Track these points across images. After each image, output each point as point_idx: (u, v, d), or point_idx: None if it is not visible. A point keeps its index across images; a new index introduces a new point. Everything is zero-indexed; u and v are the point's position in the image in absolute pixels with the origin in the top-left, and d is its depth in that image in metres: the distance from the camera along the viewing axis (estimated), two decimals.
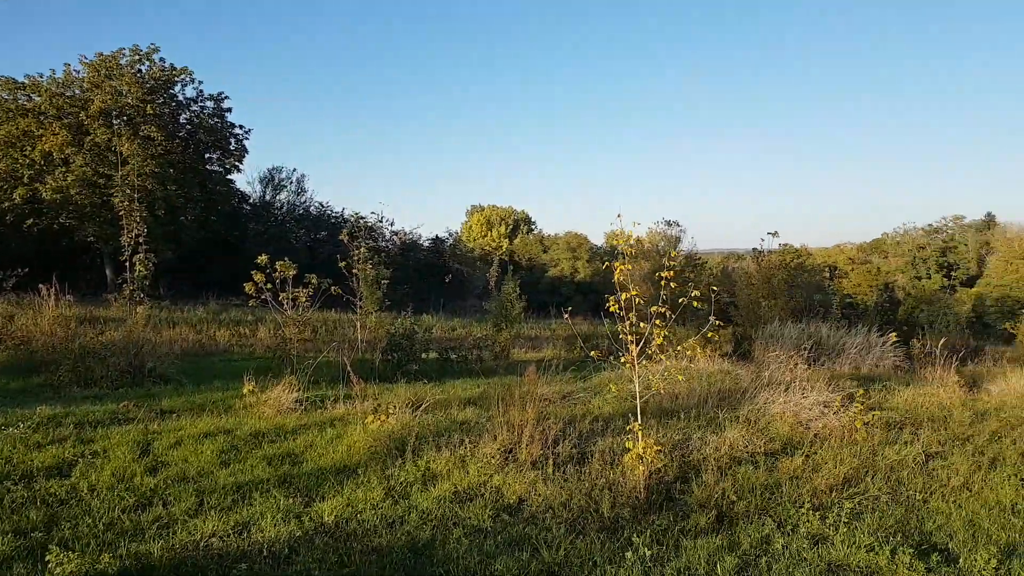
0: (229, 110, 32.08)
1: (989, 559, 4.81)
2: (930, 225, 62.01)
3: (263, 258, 10.79)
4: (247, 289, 10.81)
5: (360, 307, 14.03)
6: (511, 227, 65.44)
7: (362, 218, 36.56)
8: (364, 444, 7.11)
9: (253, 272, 10.73)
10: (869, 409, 8.69)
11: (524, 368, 11.82)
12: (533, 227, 68.69)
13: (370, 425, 7.60)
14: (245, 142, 33.12)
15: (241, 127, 32.88)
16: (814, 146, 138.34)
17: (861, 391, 8.98)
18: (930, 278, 53.71)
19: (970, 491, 6.52)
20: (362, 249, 14.15)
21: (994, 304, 38.35)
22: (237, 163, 33.43)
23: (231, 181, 34.63)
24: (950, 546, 5.19)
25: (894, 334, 16.28)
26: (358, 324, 14.27)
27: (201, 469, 6.41)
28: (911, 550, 4.90)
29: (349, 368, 9.10)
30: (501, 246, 59.70)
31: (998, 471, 7.09)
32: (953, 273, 55.79)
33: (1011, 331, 23.54)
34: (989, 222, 63.17)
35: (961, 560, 4.89)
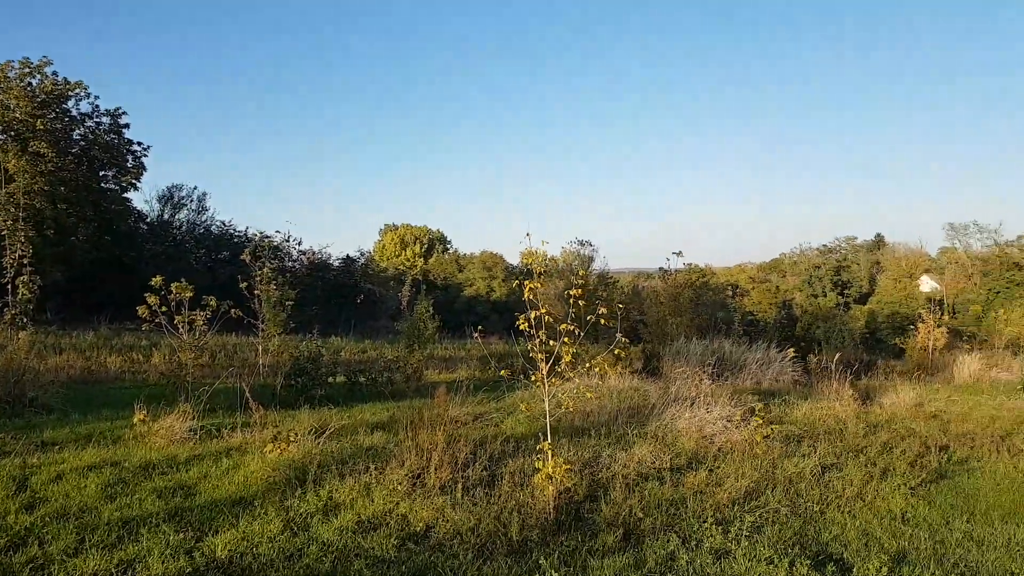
0: (126, 126, 30.70)
1: (880, 567, 5.01)
2: (824, 245, 65.72)
3: (157, 279, 10.26)
4: (140, 313, 10.24)
5: (262, 330, 13.53)
6: (426, 246, 65.15)
7: (267, 237, 35.53)
8: (262, 474, 6.79)
9: (147, 295, 10.19)
10: (769, 423, 8.99)
11: (437, 390, 11.68)
12: (449, 246, 68.62)
13: (269, 454, 7.28)
14: (143, 159, 31.75)
15: (139, 144, 31.51)
16: (715, 169, 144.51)
17: (761, 406, 9.28)
18: (825, 296, 56.70)
19: (864, 501, 6.80)
20: (265, 269, 13.66)
21: (885, 320, 40.73)
22: (134, 181, 31.93)
23: (128, 199, 33.08)
24: (845, 555, 5.37)
25: (792, 349, 17.04)
26: (260, 348, 13.74)
27: (84, 504, 5.96)
28: (808, 561, 5.04)
29: (248, 394, 8.73)
30: (416, 265, 59.29)
31: (889, 481, 7.43)
32: (847, 291, 59.16)
33: (901, 346, 24.98)
34: (879, 242, 67.64)
35: (855, 569, 5.06)
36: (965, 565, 5.29)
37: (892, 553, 5.43)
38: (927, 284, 55.20)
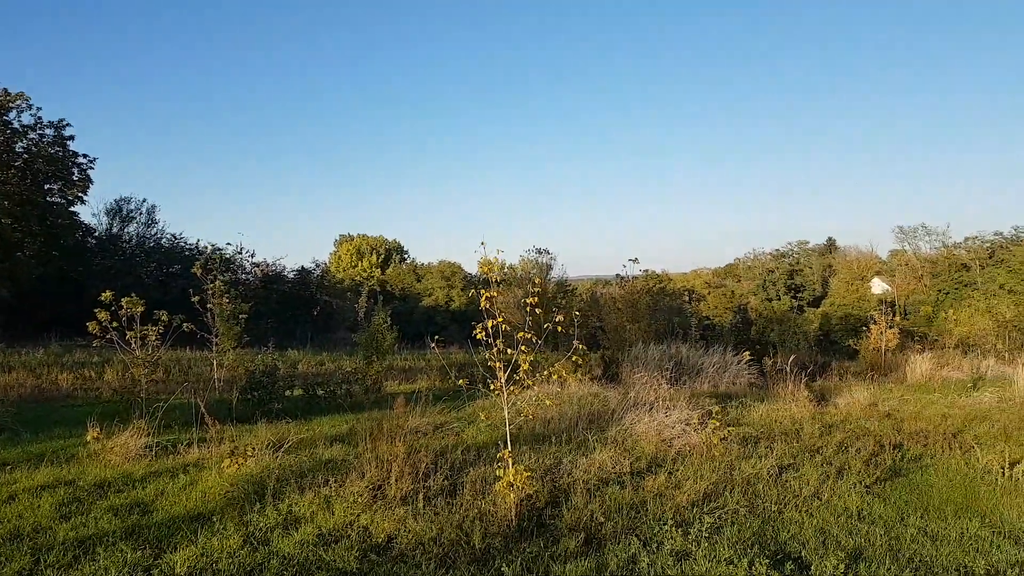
0: (71, 138, 30.00)
1: (838, 564, 5.16)
2: (777, 250, 67.38)
3: (107, 295, 10.05)
4: (91, 329, 10.02)
5: (216, 344, 13.32)
6: (383, 257, 64.71)
7: (219, 250, 35.00)
8: (220, 489, 6.72)
9: (97, 310, 9.97)
10: (726, 425, 9.18)
11: (396, 401, 11.63)
12: (406, 256, 68.24)
13: (227, 469, 7.19)
14: (89, 172, 31.01)
15: (85, 156, 30.79)
16: (671, 176, 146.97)
17: (718, 408, 9.46)
18: (780, 299, 58.00)
19: (820, 500, 6.98)
20: (217, 283, 13.46)
21: (838, 322, 41.76)
22: (81, 194, 31.16)
23: (75, 213, 32.21)
24: (803, 554, 5.52)
25: (748, 353, 17.41)
26: (215, 362, 13.52)
27: (38, 525, 5.84)
28: (767, 560, 5.18)
29: (203, 409, 8.61)
30: (373, 276, 58.84)
31: (845, 479, 7.64)
32: (800, 294, 60.61)
33: (854, 347, 25.60)
34: (830, 246, 69.36)
35: (813, 567, 5.20)
36: (920, 560, 5.47)
37: (849, 550, 5.60)
38: (878, 286, 56.79)
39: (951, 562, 5.47)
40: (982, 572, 5.29)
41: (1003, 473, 8.14)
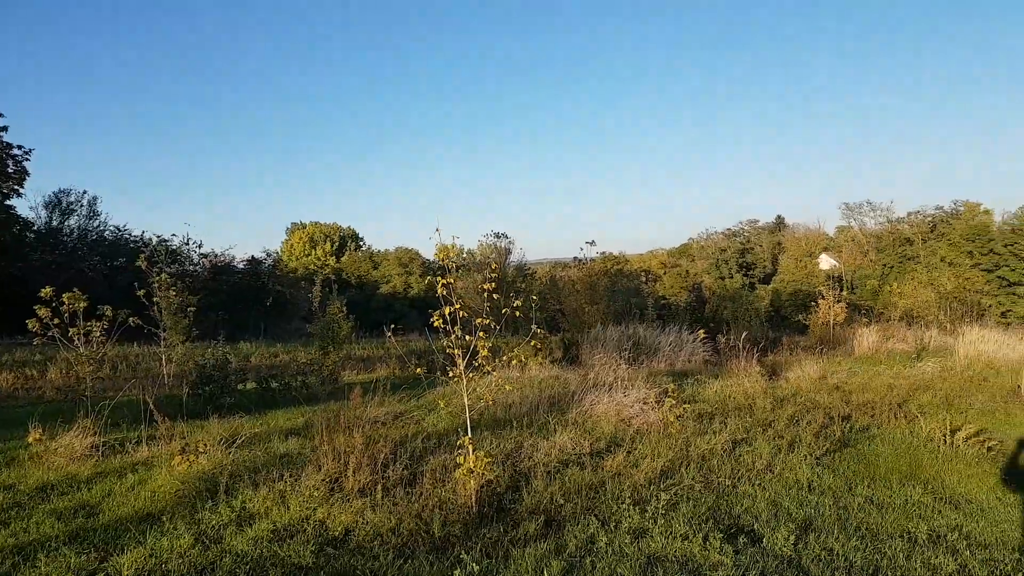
0: (4, 129, 28.84)
1: (788, 535, 5.28)
2: (729, 229, 68.61)
3: (47, 291, 9.65)
4: (31, 326, 9.62)
5: (164, 339, 12.97)
6: (337, 244, 63.97)
7: (165, 241, 34.12)
8: (171, 488, 6.53)
9: (36, 307, 9.58)
10: (682, 403, 9.31)
11: (354, 391, 11.48)
12: (362, 244, 67.62)
13: (178, 467, 7.00)
14: (25, 163, 29.83)
15: (20, 147, 29.63)
16: (625, 158, 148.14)
17: (674, 386, 9.59)
18: (732, 277, 59.09)
19: (772, 473, 7.14)
20: (163, 275, 13.08)
21: (788, 298, 42.76)
22: (17, 187, 30.02)
23: (11, 207, 31.00)
24: (756, 527, 5.62)
25: (702, 331, 17.66)
26: (164, 357, 13.17)
27: None
28: (721, 534, 5.26)
29: (152, 406, 8.36)
30: (327, 264, 58.15)
31: (796, 452, 7.82)
32: (751, 272, 61.86)
33: (804, 322, 26.25)
34: (779, 224, 70.91)
35: (765, 539, 5.31)
36: (867, 528, 5.65)
37: (799, 521, 5.74)
38: (826, 262, 58.29)
39: (896, 529, 5.65)
40: (924, 537, 5.48)
41: (945, 440, 8.44)
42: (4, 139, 28.89)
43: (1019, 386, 12.17)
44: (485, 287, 6.69)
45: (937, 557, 5.06)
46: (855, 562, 4.95)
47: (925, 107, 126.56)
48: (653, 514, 5.74)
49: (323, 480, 6.43)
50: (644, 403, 9.47)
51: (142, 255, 14.12)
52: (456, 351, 6.44)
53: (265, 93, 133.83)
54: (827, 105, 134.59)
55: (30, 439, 8.26)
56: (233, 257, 37.97)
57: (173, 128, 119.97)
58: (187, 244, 34.73)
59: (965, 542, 5.42)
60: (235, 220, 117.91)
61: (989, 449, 8.23)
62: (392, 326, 8.40)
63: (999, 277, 35.95)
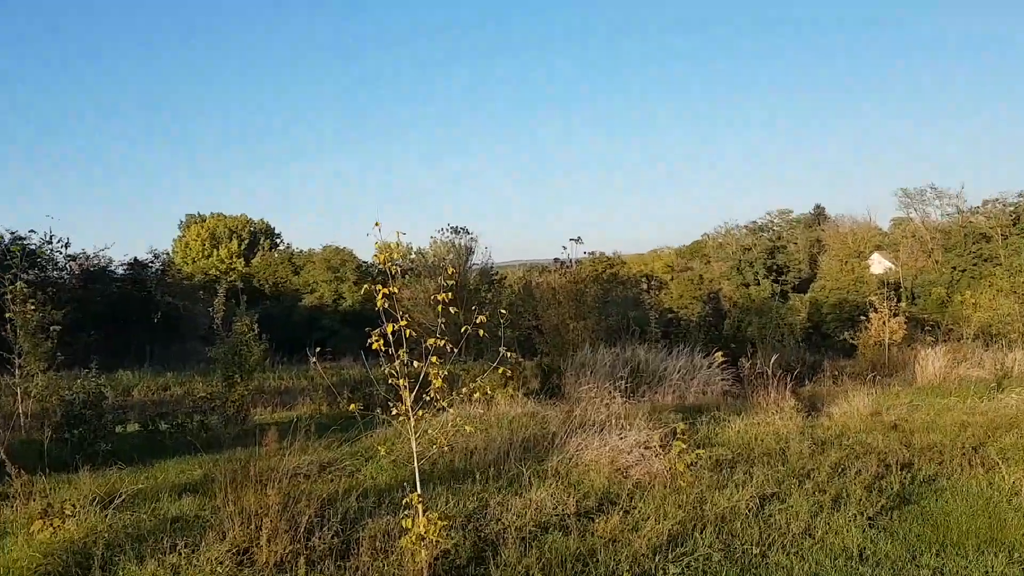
0: None
1: None
2: (754, 222, 68.75)
3: None
4: None
5: (21, 367, 12.82)
6: (247, 243, 63.53)
7: (20, 239, 33.56)
8: (30, 562, 6.46)
9: None
10: (695, 447, 9.38)
11: (268, 434, 11.42)
12: (278, 241, 67.27)
13: (39, 534, 6.97)
14: None
15: None
16: (619, 144, 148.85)
17: (684, 426, 9.64)
18: (759, 284, 59.55)
19: (813, 538, 7.17)
20: (19, 284, 12.94)
21: (831, 311, 43.22)
22: None
23: None
24: None
25: (721, 353, 17.83)
26: (19, 391, 13.00)
27: None
28: None
29: (4, 455, 8.26)
30: (234, 268, 57.75)
31: (843, 511, 7.84)
32: (783, 277, 62.33)
33: (851, 341, 26.35)
34: (819, 216, 71.15)
35: None
36: None
37: None
38: (879, 264, 59.03)
39: None
40: None
41: None
42: None
43: None
44: (440, 297, 6.70)
45: None
46: None
47: (1006, 65, 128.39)
48: None
49: (228, 551, 6.40)
50: (646, 447, 9.54)
51: None
52: (402, 381, 6.43)
53: (157, 68, 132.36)
54: (876, 67, 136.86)
55: None
56: (110, 260, 37.61)
57: (28, 101, 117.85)
58: (50, 243, 34.25)
59: None
60: (113, 212, 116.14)
61: None
62: (318, 348, 8.38)
63: None
